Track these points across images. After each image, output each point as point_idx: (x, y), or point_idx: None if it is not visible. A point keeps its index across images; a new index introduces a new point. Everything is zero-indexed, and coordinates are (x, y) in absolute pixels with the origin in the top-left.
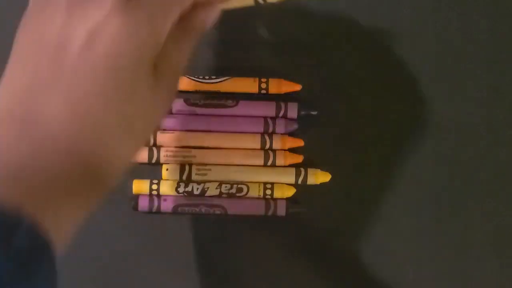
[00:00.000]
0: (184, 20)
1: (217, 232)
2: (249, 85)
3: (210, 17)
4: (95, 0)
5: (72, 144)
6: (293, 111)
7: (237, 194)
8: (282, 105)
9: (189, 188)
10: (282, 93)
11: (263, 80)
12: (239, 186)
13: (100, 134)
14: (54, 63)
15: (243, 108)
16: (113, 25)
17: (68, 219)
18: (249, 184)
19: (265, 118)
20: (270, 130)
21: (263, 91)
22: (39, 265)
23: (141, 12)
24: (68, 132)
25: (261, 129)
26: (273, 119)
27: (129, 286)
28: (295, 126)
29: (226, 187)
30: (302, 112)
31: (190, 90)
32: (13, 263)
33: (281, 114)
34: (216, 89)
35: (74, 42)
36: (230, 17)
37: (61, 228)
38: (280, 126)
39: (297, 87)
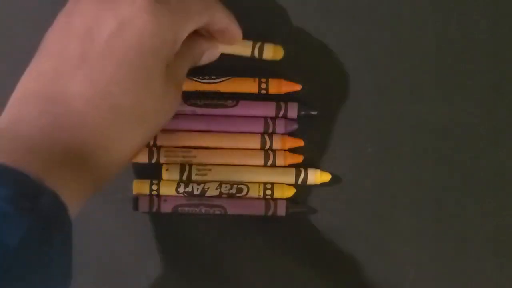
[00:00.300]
0: (190, 39)
1: (217, 232)
2: (249, 85)
3: (210, 52)
4: None
5: (90, 120)
6: (293, 111)
7: (237, 194)
8: (282, 105)
9: (189, 189)
10: (282, 93)
11: (263, 80)
12: (239, 186)
13: (116, 116)
14: (82, 46)
15: (243, 108)
16: (141, 21)
17: (78, 193)
18: (249, 185)
19: (265, 118)
20: (270, 130)
21: (263, 91)
22: (60, 227)
23: (166, 16)
24: (89, 109)
25: (261, 129)
26: (273, 119)
27: (129, 286)
28: (295, 126)
29: (226, 187)
30: (302, 112)
31: (190, 90)
32: (39, 224)
33: (281, 114)
34: (216, 89)
35: (103, 29)
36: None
37: (73, 200)
38: (280, 126)
39: (297, 87)
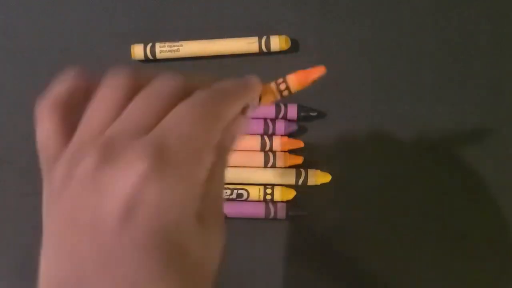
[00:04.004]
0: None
1: None
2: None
3: (241, 128)
4: (125, 165)
5: None
6: (292, 112)
7: (238, 199)
8: (282, 106)
9: None
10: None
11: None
12: (239, 191)
13: None
14: (95, 245)
15: None
16: (151, 193)
17: None
18: (249, 189)
19: (265, 119)
20: (270, 131)
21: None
22: None
23: (177, 169)
24: None
25: (261, 131)
26: (273, 120)
27: None
28: (295, 127)
29: (226, 192)
30: (302, 113)
31: None
32: None
33: (280, 115)
34: None
35: (110, 217)
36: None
37: None
38: (280, 128)
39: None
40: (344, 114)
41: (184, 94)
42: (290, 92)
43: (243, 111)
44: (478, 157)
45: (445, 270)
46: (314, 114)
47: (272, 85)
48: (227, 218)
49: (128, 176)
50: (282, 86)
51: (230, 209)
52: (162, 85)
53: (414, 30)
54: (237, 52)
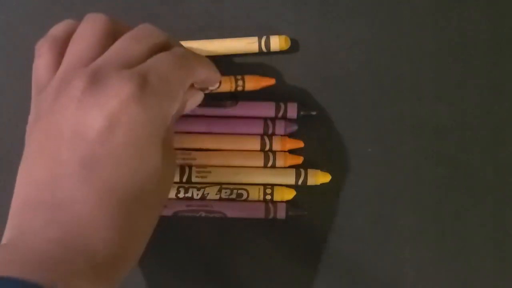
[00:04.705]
0: None
1: (217, 235)
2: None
3: (192, 100)
4: (111, 88)
5: (98, 224)
6: (292, 111)
7: (237, 199)
8: (282, 105)
9: (189, 194)
10: (259, 88)
11: (239, 77)
12: (239, 191)
13: (125, 212)
14: (74, 149)
15: (242, 108)
16: (130, 114)
17: None
18: (249, 189)
19: (264, 119)
20: (270, 131)
21: (240, 88)
22: None
23: (153, 101)
24: (95, 212)
25: (261, 131)
26: (273, 120)
27: (129, 286)
28: (295, 127)
29: (226, 192)
30: (302, 113)
31: None
32: None
33: (280, 115)
34: None
35: (91, 129)
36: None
37: None
38: (280, 127)
39: (272, 81)
40: (344, 114)
41: (162, 45)
42: (243, 88)
43: (203, 89)
44: (478, 157)
45: (445, 270)
46: (314, 113)
47: (232, 78)
48: (227, 218)
49: (113, 97)
50: (240, 83)
51: (230, 209)
52: (144, 31)
53: (414, 30)
54: (237, 52)
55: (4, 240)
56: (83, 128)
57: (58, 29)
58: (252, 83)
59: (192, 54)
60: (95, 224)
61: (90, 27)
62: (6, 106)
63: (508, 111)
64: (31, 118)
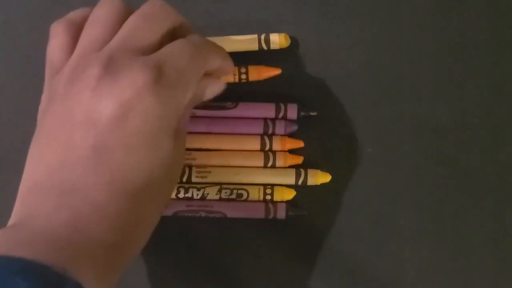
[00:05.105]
0: None
1: (217, 235)
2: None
3: (211, 88)
4: (126, 78)
5: (109, 210)
6: (292, 112)
7: (237, 199)
8: (282, 106)
9: (189, 194)
10: (263, 79)
11: (243, 70)
12: (239, 191)
13: (135, 199)
14: (87, 134)
15: (242, 109)
16: (145, 103)
17: (102, 281)
18: (249, 189)
19: (264, 119)
20: (270, 131)
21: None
22: None
23: (168, 92)
24: (106, 198)
25: (261, 131)
26: (273, 120)
27: (129, 286)
28: (295, 127)
29: (226, 192)
30: (302, 113)
31: None
32: None
33: (280, 115)
34: None
35: (105, 117)
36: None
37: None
38: (280, 127)
39: (277, 71)
40: (344, 114)
41: (177, 29)
42: (247, 79)
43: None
44: (478, 157)
45: (445, 270)
46: (314, 113)
47: (235, 69)
48: (227, 218)
49: (128, 85)
50: (243, 76)
51: (230, 209)
52: (158, 12)
53: (414, 30)
54: (237, 50)
55: (11, 222)
56: (97, 115)
57: (74, 13)
58: (256, 73)
59: (209, 43)
60: (104, 210)
61: (104, 11)
62: (6, 106)
63: (508, 111)
64: (44, 100)
